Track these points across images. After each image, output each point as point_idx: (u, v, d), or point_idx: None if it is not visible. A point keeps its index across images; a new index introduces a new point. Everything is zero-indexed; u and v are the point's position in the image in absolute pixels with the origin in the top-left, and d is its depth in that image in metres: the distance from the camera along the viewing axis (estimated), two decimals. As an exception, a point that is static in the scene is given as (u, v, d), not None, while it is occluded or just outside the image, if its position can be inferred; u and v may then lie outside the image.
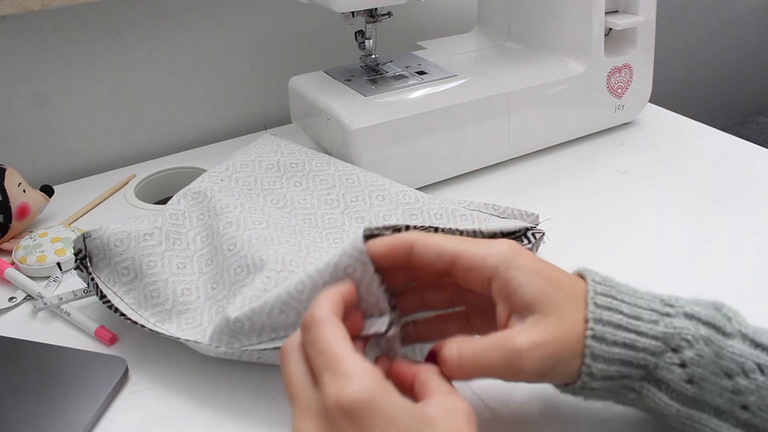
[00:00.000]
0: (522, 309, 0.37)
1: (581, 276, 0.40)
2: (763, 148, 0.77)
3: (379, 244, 0.39)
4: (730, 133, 0.81)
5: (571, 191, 0.70)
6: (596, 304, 0.38)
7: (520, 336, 0.36)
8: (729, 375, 0.36)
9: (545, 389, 0.44)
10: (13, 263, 0.60)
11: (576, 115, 0.78)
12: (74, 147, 0.79)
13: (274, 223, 0.54)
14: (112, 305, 0.50)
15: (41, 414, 0.45)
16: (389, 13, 0.71)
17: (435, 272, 0.40)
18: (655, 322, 0.38)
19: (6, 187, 0.62)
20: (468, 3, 0.96)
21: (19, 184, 0.64)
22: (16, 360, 0.49)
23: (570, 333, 0.37)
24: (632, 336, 0.37)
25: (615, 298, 0.38)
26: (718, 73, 1.52)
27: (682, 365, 0.37)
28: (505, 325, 0.38)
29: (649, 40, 0.80)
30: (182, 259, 0.53)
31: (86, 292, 0.54)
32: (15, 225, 0.63)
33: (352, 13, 0.68)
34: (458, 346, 0.37)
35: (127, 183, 0.75)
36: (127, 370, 0.48)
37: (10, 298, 0.57)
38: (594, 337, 0.37)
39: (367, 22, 0.71)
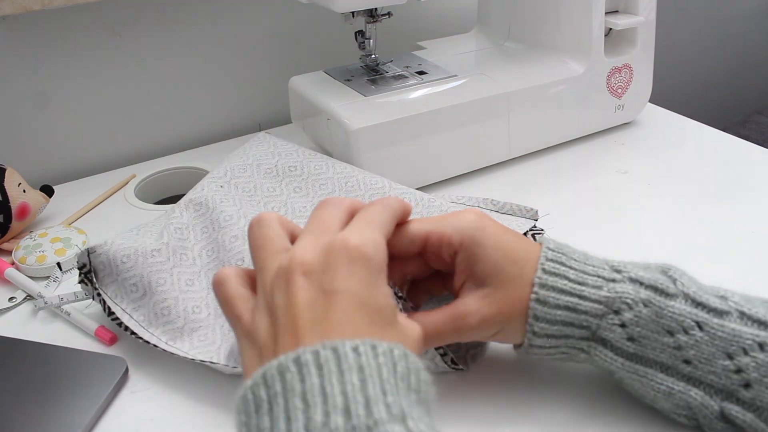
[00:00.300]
0: (477, 281, 0.42)
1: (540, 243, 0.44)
2: (763, 148, 0.77)
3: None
4: (730, 133, 0.81)
5: (571, 191, 0.70)
6: (544, 270, 0.41)
7: (472, 316, 0.41)
8: (670, 333, 0.40)
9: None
10: (13, 263, 0.60)
11: (576, 115, 0.78)
12: (74, 147, 0.79)
13: None
14: (122, 323, 0.50)
15: (41, 414, 0.44)
16: (389, 13, 0.71)
17: (411, 255, 0.43)
18: (599, 287, 0.41)
19: (6, 187, 0.62)
20: (468, 3, 0.96)
21: (19, 184, 0.64)
22: (16, 360, 0.49)
23: (515, 304, 0.41)
24: (575, 300, 0.41)
25: (564, 264, 0.42)
26: (718, 73, 1.52)
27: (623, 325, 0.40)
28: (459, 292, 0.43)
29: (649, 40, 0.80)
30: (190, 276, 0.52)
31: (87, 294, 0.54)
32: (15, 225, 0.63)
33: (352, 13, 0.68)
34: (420, 323, 0.40)
35: (127, 183, 0.75)
36: (127, 370, 0.48)
37: (10, 298, 0.57)
38: (537, 300, 0.41)
39: (367, 22, 0.71)
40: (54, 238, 0.62)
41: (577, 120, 0.79)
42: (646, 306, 0.40)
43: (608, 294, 0.41)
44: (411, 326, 0.36)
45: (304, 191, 0.61)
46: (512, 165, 0.75)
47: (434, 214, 0.57)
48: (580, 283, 0.41)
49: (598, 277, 0.41)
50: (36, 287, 0.57)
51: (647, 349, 0.40)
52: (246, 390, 0.30)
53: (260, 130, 0.66)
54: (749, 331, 0.38)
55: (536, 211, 0.58)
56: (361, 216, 0.38)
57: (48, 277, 0.59)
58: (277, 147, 0.64)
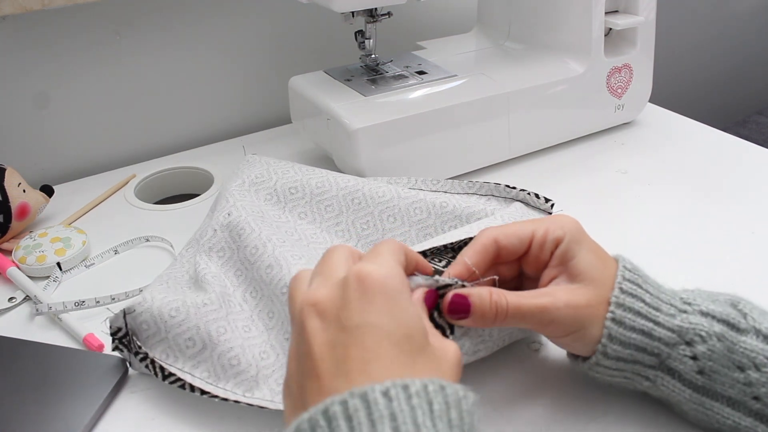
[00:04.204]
0: (570, 276, 0.42)
1: (616, 260, 0.44)
2: (763, 148, 0.77)
3: (470, 251, 0.43)
4: (730, 133, 0.81)
5: (571, 191, 0.70)
6: (621, 290, 0.41)
7: (560, 293, 0.41)
8: (741, 368, 0.39)
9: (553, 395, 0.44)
10: (12, 263, 0.60)
11: (576, 115, 0.78)
12: (74, 147, 0.79)
13: (307, 256, 0.51)
14: (185, 383, 0.45)
15: (41, 414, 0.44)
16: (389, 13, 0.71)
17: (511, 257, 0.44)
18: (673, 315, 0.40)
19: (6, 187, 0.62)
20: (468, 3, 0.96)
21: (19, 184, 0.64)
22: (16, 360, 0.49)
23: (601, 305, 0.41)
24: (650, 324, 0.40)
25: (640, 287, 0.41)
26: (718, 73, 1.52)
27: (694, 358, 0.40)
28: (546, 286, 0.43)
29: (649, 40, 0.80)
30: (244, 322, 0.48)
31: (125, 359, 0.49)
32: (15, 225, 0.63)
33: (352, 13, 0.68)
34: (504, 295, 0.41)
35: (127, 183, 0.75)
36: (127, 370, 0.48)
37: (10, 298, 0.57)
38: (614, 320, 0.40)
39: (367, 22, 0.71)
40: (54, 238, 0.62)
41: (577, 120, 0.79)
42: (719, 340, 0.39)
43: (681, 324, 0.40)
44: (446, 346, 0.34)
45: (310, 216, 0.57)
46: (512, 165, 0.75)
47: (447, 223, 0.57)
48: (655, 308, 0.41)
49: (671, 305, 0.41)
50: (36, 289, 0.57)
51: (716, 383, 0.40)
52: None
53: (245, 153, 0.64)
54: None
55: (552, 204, 0.57)
56: (369, 252, 0.37)
57: (48, 277, 0.59)
58: (271, 166, 0.60)
